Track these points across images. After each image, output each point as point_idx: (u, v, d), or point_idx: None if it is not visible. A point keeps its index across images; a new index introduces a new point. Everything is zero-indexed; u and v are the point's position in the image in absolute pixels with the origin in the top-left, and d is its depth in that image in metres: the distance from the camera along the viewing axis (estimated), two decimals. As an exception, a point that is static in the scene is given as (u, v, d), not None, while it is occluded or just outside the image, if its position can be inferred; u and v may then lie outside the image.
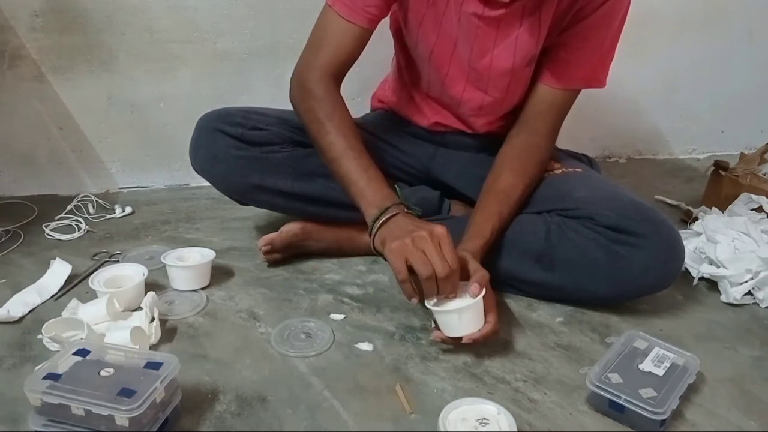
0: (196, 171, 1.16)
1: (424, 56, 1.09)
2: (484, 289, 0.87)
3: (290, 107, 1.09)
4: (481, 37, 1.02)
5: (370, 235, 0.94)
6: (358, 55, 1.06)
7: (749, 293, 1.08)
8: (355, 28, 1.02)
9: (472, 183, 1.13)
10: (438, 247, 0.84)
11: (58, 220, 1.37)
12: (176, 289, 1.09)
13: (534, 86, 1.08)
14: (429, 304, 0.88)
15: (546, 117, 1.08)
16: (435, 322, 0.92)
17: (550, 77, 1.06)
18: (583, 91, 1.09)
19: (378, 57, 1.20)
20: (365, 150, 1.00)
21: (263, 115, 1.15)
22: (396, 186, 1.13)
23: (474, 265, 0.91)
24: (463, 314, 0.86)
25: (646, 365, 0.83)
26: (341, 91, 1.06)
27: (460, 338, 0.88)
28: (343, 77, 1.07)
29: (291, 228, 1.17)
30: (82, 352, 0.77)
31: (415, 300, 0.87)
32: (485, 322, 0.88)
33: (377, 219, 0.92)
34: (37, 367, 0.82)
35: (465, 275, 0.89)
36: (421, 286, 0.86)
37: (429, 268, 0.83)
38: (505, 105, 1.12)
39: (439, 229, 0.86)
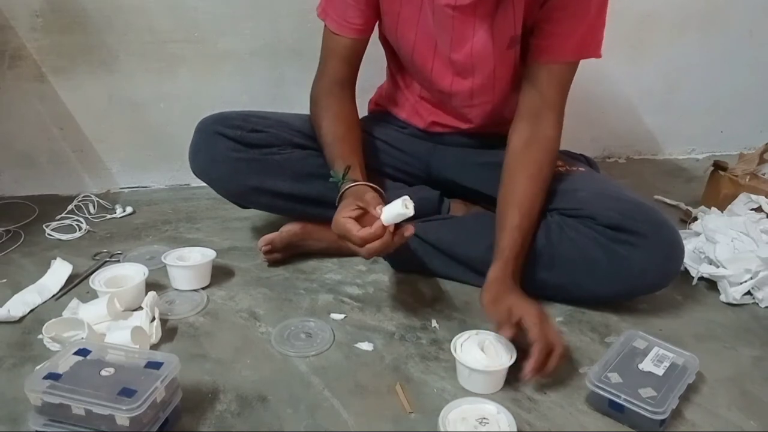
0: (195, 174, 1.17)
1: (408, 55, 1.10)
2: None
3: (290, 110, 1.10)
4: (458, 27, 1.02)
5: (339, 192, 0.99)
6: (359, 62, 1.12)
7: (749, 293, 1.08)
8: (346, 40, 1.08)
9: (472, 171, 1.12)
10: None
11: (58, 220, 1.38)
12: (177, 289, 1.09)
13: (528, 70, 1.04)
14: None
15: (546, 95, 1.03)
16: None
17: (541, 53, 1.02)
18: (583, 90, 1.07)
19: (378, 57, 1.20)
20: (355, 140, 1.05)
21: (262, 118, 1.16)
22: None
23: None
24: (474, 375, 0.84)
25: (646, 365, 0.84)
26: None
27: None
28: (352, 83, 1.14)
29: (291, 228, 1.17)
30: (82, 352, 0.77)
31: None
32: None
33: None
34: (38, 367, 0.82)
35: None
36: None
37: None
38: (496, 91, 1.10)
39: None
